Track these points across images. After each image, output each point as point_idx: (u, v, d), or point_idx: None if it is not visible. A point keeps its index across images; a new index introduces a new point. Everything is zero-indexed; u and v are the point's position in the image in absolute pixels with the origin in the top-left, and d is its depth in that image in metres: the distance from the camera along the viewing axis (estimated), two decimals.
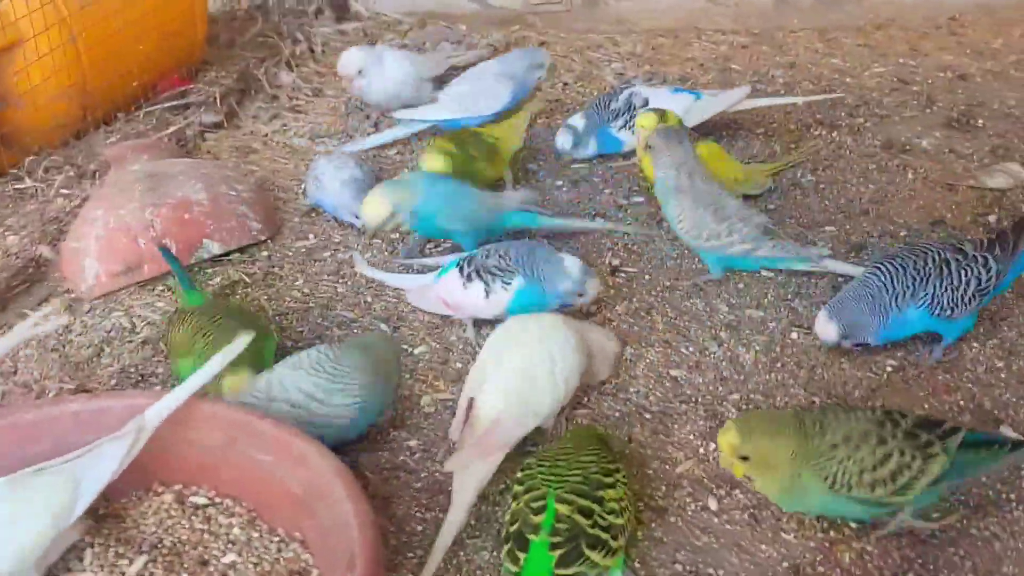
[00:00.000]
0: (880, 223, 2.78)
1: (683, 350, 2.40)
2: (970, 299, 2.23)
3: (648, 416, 2.22)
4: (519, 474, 1.90)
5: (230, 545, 1.84)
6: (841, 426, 1.80)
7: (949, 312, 2.22)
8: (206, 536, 1.86)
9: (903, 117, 3.31)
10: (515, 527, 1.77)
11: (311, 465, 1.82)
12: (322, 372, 2.04)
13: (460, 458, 1.99)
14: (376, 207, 2.60)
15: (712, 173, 2.62)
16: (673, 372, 2.33)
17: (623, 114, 3.14)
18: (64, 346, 2.52)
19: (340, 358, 2.07)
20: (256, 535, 1.86)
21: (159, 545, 1.84)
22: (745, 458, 1.80)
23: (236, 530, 1.86)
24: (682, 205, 2.53)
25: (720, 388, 2.28)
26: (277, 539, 1.85)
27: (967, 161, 3.04)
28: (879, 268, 2.28)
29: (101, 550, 1.84)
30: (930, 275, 2.23)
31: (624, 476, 1.88)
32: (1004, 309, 2.44)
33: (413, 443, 2.19)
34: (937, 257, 2.26)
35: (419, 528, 1.99)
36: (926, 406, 2.18)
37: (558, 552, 1.72)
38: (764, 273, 2.61)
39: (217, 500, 1.92)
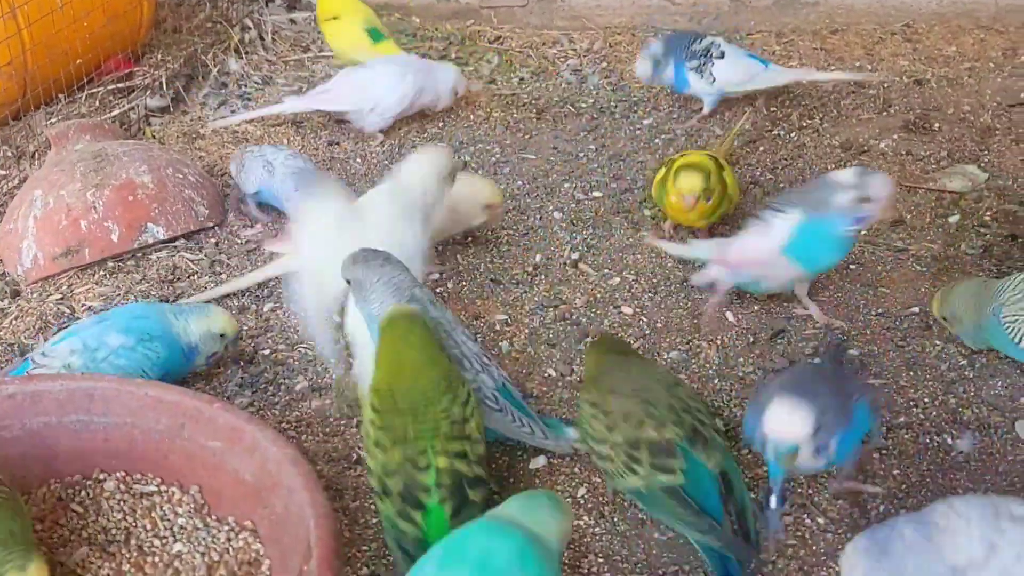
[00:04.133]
0: None
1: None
2: None
3: None
4: (373, 419, 1.78)
5: (177, 533, 1.76)
6: (615, 388, 1.87)
7: None
8: (151, 525, 1.77)
9: (860, 119, 3.30)
10: (403, 487, 1.70)
11: (263, 453, 1.75)
12: None
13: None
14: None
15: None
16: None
17: (700, 57, 3.19)
18: None
19: None
20: (204, 524, 1.77)
21: (100, 534, 1.75)
22: None
23: (183, 519, 1.78)
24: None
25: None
26: (227, 528, 1.77)
27: (925, 163, 3.03)
28: None
29: (38, 540, 1.74)
30: None
31: (468, 390, 1.82)
32: None
33: None
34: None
35: (373, 520, 1.92)
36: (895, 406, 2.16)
37: (448, 506, 1.70)
38: None
39: (163, 488, 1.84)
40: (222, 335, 2.17)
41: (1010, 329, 2.12)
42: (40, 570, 1.51)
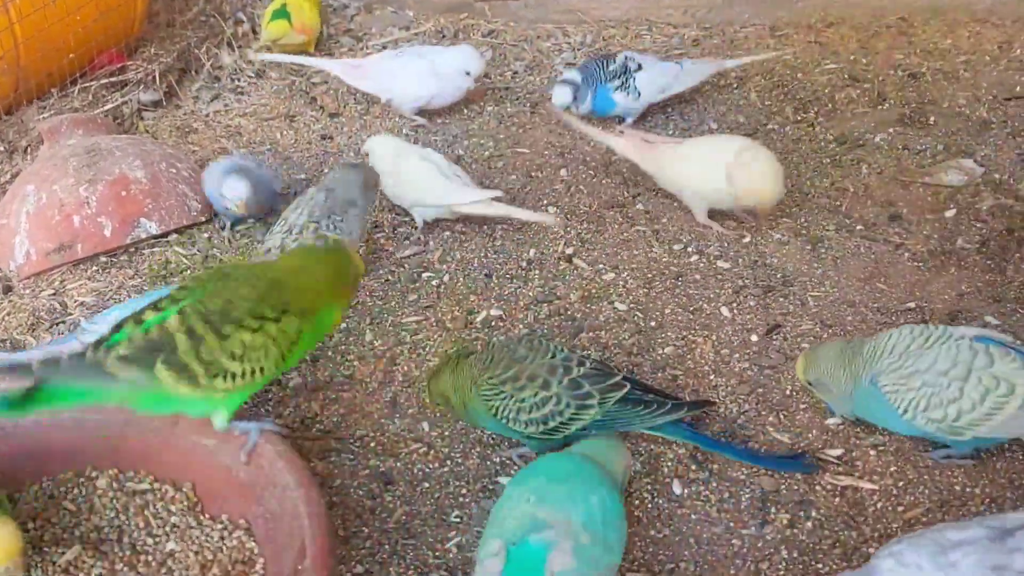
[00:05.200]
0: (836, 217, 2.75)
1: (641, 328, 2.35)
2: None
3: None
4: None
5: (170, 532, 1.75)
6: (514, 364, 1.96)
7: None
8: (144, 523, 1.76)
9: (855, 113, 3.29)
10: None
11: (257, 449, 1.73)
12: None
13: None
14: None
15: None
16: (635, 359, 2.28)
17: (619, 76, 3.18)
18: None
19: None
20: (197, 522, 1.77)
21: (93, 532, 1.74)
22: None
23: (176, 517, 1.77)
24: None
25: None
26: (220, 526, 1.76)
27: (920, 157, 3.02)
28: None
29: (30, 538, 1.73)
30: None
31: (284, 327, 1.72)
32: None
33: (360, 432, 2.12)
34: None
35: (367, 516, 1.91)
36: None
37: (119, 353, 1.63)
38: (721, 264, 2.58)
39: (156, 486, 1.83)
40: None
41: (893, 399, 1.92)
42: None
